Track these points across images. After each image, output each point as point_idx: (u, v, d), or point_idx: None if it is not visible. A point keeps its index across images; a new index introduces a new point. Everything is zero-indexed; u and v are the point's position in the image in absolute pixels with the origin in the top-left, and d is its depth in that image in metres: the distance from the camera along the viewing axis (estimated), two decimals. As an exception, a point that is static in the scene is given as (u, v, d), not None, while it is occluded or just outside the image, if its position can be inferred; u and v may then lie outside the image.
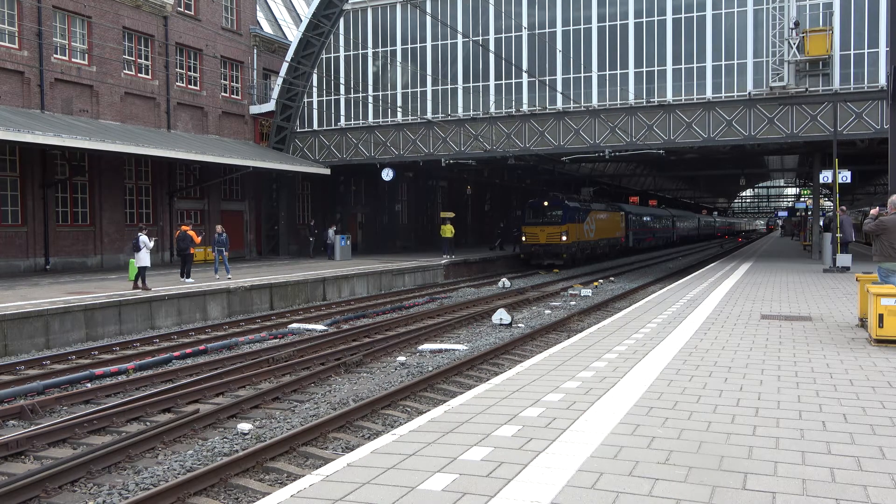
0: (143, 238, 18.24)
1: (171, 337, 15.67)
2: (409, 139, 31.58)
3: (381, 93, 32.18)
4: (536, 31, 29.23)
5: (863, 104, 24.85)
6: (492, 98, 30.04)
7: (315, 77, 33.17)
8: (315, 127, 33.56)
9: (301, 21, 35.91)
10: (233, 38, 32.74)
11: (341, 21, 32.79)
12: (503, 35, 29.99)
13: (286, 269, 25.25)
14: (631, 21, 28.07)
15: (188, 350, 13.55)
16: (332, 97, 33.14)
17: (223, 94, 32.51)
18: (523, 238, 35.59)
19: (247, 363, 12.16)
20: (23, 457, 7.85)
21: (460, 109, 30.68)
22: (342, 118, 32.93)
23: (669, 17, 27.58)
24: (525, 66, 29.24)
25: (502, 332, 15.84)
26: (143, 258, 18.05)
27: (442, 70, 30.96)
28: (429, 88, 31.21)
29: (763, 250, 41.03)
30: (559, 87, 28.81)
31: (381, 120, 32.18)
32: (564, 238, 34.37)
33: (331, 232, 31.50)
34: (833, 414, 6.03)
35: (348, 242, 31.69)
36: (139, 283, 17.92)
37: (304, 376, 11.10)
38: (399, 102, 31.71)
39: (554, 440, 5.38)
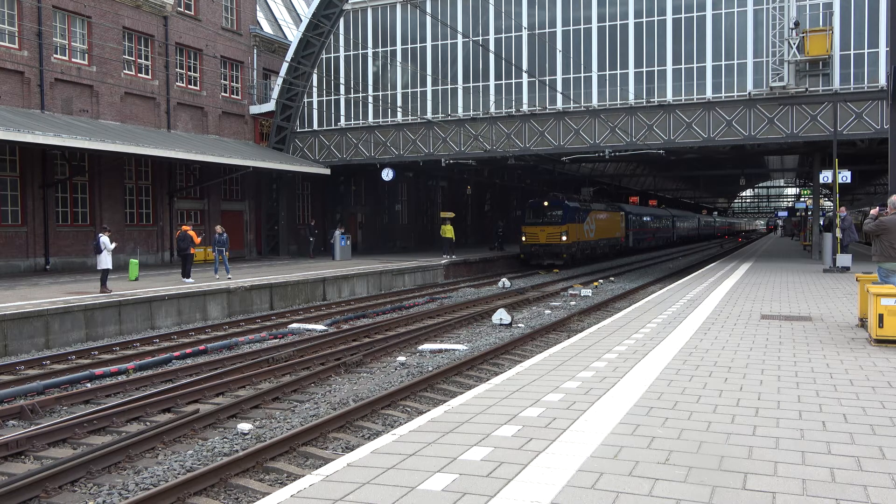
0: (104, 239, 17.64)
1: (171, 337, 15.67)
2: (409, 139, 31.58)
3: (381, 93, 32.17)
4: (536, 31, 29.23)
5: (863, 104, 24.84)
6: (492, 98, 30.03)
7: (315, 77, 33.17)
8: (315, 127, 33.56)
9: (301, 21, 35.92)
10: (233, 38, 32.75)
11: (341, 21, 32.79)
12: (503, 35, 29.99)
13: (286, 269, 25.25)
14: (631, 21, 28.06)
15: (188, 350, 13.55)
16: (332, 97, 33.14)
17: (223, 94, 32.51)
18: (523, 238, 35.60)
19: (247, 363, 12.16)
20: (23, 457, 7.85)
21: (460, 109, 30.68)
22: (342, 118, 32.93)
23: (669, 17, 27.58)
24: (525, 66, 29.23)
25: (502, 332, 15.84)
26: (105, 260, 17.52)
27: (442, 70, 30.96)
28: (429, 88, 31.21)
29: (763, 250, 41.03)
30: (559, 87, 28.80)
31: (381, 120, 32.18)
32: (564, 238, 34.37)
33: (337, 233, 31.52)
34: (833, 414, 6.03)
35: (348, 242, 31.71)
36: (102, 285, 17.47)
37: (304, 376, 11.10)
38: (399, 102, 31.71)
39: (554, 440, 5.38)
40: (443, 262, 30.17)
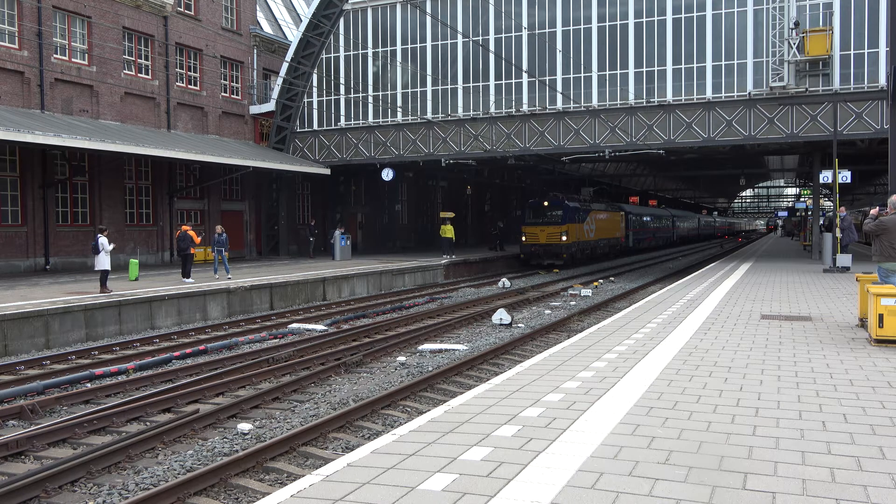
0: (103, 240, 17.52)
1: (171, 337, 15.67)
2: (409, 139, 31.58)
3: (381, 93, 32.17)
4: (536, 31, 29.23)
5: (863, 104, 24.84)
6: (492, 98, 30.03)
7: (315, 77, 33.17)
8: (315, 127, 33.56)
9: (301, 21, 35.91)
10: (233, 38, 32.74)
11: (341, 21, 32.78)
12: (503, 35, 29.99)
13: (286, 269, 25.24)
14: (631, 21, 28.06)
15: (188, 350, 13.55)
16: (332, 97, 33.14)
17: (223, 94, 32.50)
18: (523, 238, 35.60)
19: (247, 363, 12.16)
20: (23, 457, 7.84)
21: (460, 109, 30.68)
22: (342, 118, 32.93)
23: (669, 17, 27.58)
24: (525, 66, 29.23)
25: (502, 332, 15.83)
26: (103, 261, 17.39)
27: (442, 70, 30.96)
28: (429, 88, 31.21)
29: (763, 250, 41.03)
30: (559, 87, 28.80)
31: (381, 120, 32.18)
32: (564, 238, 34.37)
33: (337, 233, 31.53)
34: (833, 414, 6.03)
35: (348, 242, 31.70)
36: (102, 286, 17.37)
37: (304, 376, 11.10)
38: (399, 102, 31.71)
39: (554, 440, 5.38)
40: (443, 262, 30.16)
